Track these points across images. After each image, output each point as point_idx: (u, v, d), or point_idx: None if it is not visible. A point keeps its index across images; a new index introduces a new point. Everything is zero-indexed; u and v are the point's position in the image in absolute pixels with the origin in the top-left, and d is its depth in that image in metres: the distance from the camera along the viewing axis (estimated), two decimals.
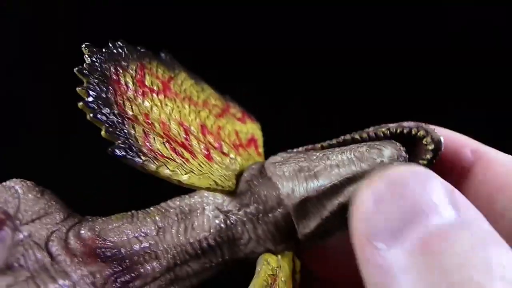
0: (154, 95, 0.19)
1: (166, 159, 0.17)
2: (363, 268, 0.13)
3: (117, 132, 0.16)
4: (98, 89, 0.17)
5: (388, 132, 0.18)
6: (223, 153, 0.20)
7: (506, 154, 0.19)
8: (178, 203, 0.19)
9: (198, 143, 0.19)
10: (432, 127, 0.18)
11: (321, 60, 0.40)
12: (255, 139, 0.22)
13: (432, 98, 0.40)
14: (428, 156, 0.18)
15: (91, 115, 0.16)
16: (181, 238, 0.18)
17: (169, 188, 0.18)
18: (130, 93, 0.18)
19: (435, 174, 0.14)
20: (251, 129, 0.23)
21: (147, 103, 0.19)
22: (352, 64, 0.40)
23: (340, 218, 0.17)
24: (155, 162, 0.16)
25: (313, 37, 0.40)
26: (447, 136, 0.18)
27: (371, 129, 0.19)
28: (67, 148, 0.39)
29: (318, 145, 0.19)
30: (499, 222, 0.16)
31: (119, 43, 0.19)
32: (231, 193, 0.19)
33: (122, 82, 0.18)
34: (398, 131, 0.18)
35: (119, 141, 0.16)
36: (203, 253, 0.18)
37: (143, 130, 0.17)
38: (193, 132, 0.19)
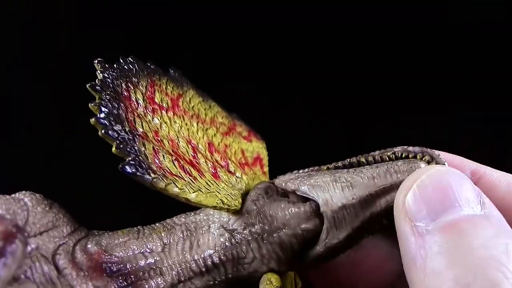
0: (164, 112, 0.19)
1: (175, 177, 0.17)
2: (404, 244, 0.16)
3: (128, 149, 0.17)
4: (110, 106, 0.17)
5: (393, 156, 0.19)
6: (230, 172, 0.20)
7: (503, 173, 0.20)
8: (183, 219, 0.19)
9: (205, 161, 0.19)
10: (436, 152, 0.18)
11: (321, 60, 0.40)
12: (261, 158, 0.23)
13: (433, 98, 0.40)
14: None
15: (103, 131, 0.17)
16: (186, 255, 0.18)
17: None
18: (140, 110, 0.19)
19: (467, 177, 0.16)
20: (257, 148, 0.23)
21: (156, 120, 0.19)
22: (353, 66, 0.40)
23: (366, 231, 0.18)
24: (164, 179, 0.17)
25: (313, 37, 0.40)
26: (448, 160, 0.19)
27: (377, 152, 0.19)
28: (67, 148, 0.39)
29: (324, 167, 0.20)
30: None
31: (129, 59, 0.20)
32: (237, 212, 0.19)
33: (133, 98, 0.19)
34: (404, 155, 0.18)
35: (129, 158, 0.16)
36: (207, 271, 0.18)
37: (153, 148, 0.17)
38: (201, 150, 0.20)
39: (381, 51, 0.40)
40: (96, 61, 0.18)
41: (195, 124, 0.21)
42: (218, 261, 0.18)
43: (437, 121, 0.40)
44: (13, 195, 0.18)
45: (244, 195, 0.19)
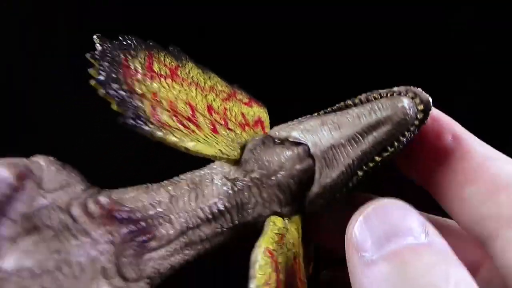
0: (162, 79, 0.20)
1: (173, 129, 0.18)
2: (351, 272, 0.16)
3: (128, 105, 0.18)
4: (108, 70, 0.18)
5: (379, 96, 0.19)
6: (229, 129, 0.21)
7: (485, 145, 0.20)
8: (189, 175, 0.21)
9: (204, 120, 0.20)
10: (420, 89, 0.19)
11: (321, 59, 0.40)
12: (262, 120, 0.23)
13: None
14: (420, 116, 0.19)
15: (102, 90, 0.18)
16: (192, 204, 0.20)
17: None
18: (139, 76, 0.19)
19: (411, 207, 0.17)
20: (258, 112, 0.24)
21: (155, 85, 0.20)
22: (353, 65, 0.40)
23: (359, 168, 0.19)
24: (162, 130, 0.18)
25: (312, 36, 0.40)
26: (437, 116, 0.20)
27: (363, 95, 0.20)
28: (66, 147, 0.39)
29: (315, 114, 0.21)
30: (464, 210, 0.20)
31: (128, 36, 0.21)
32: (237, 162, 0.20)
33: (132, 66, 0.20)
34: (389, 94, 0.19)
35: (129, 112, 0.17)
36: (213, 218, 0.20)
37: (151, 105, 0.18)
38: (200, 110, 0.21)
39: (381, 50, 0.40)
40: (95, 36, 0.19)
41: (194, 90, 0.21)
42: (223, 208, 0.20)
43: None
44: (28, 159, 0.19)
45: (243, 148, 0.21)
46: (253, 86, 0.35)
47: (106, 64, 0.18)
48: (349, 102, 0.20)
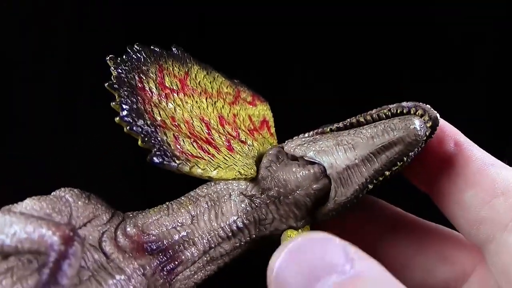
0: (175, 95, 0.21)
1: (196, 159, 0.19)
2: None
3: (152, 141, 0.18)
4: (129, 101, 0.19)
5: (390, 113, 0.20)
6: (242, 141, 0.22)
7: (484, 152, 0.21)
8: (206, 190, 0.22)
9: (219, 136, 0.21)
10: (428, 106, 0.20)
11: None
12: (267, 120, 0.25)
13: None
14: (428, 133, 0.20)
15: (128, 128, 0.18)
16: (213, 224, 0.21)
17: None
18: (155, 98, 0.20)
19: (332, 236, 0.16)
20: (262, 110, 0.25)
21: (170, 105, 0.21)
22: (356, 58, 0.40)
23: (370, 183, 0.20)
24: (188, 163, 0.19)
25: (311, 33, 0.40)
26: (441, 125, 0.20)
27: (374, 111, 0.21)
28: (66, 147, 0.39)
29: (327, 129, 0.22)
30: (462, 214, 0.20)
31: (136, 47, 0.21)
32: (253, 179, 0.21)
33: (147, 88, 0.20)
34: (399, 111, 0.20)
35: (155, 149, 0.18)
36: (233, 235, 0.21)
37: (173, 135, 0.19)
38: (213, 125, 0.22)
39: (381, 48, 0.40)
40: (108, 57, 0.20)
41: (204, 101, 0.22)
42: (242, 226, 0.21)
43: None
44: (54, 193, 0.20)
45: (258, 162, 0.22)
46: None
47: (125, 93, 0.19)
48: (361, 119, 0.21)
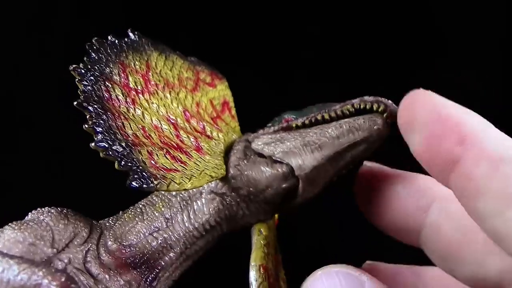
0: (141, 96, 0.22)
1: (172, 173, 0.20)
2: None
3: (129, 164, 0.19)
4: (101, 121, 0.20)
5: (353, 109, 0.21)
6: (208, 137, 0.23)
7: (500, 137, 0.17)
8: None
9: (187, 136, 0.22)
10: (389, 102, 0.21)
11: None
12: (227, 101, 0.25)
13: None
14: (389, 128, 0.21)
15: (104, 153, 0.19)
16: (187, 225, 0.22)
17: None
18: (123, 106, 0.21)
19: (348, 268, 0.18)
20: (221, 90, 0.25)
21: (138, 111, 0.21)
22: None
23: (336, 177, 0.22)
24: (165, 181, 0.19)
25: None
26: (437, 116, 0.17)
27: (338, 106, 0.21)
28: (66, 147, 0.39)
29: (293, 124, 0.22)
30: (480, 225, 0.17)
31: (95, 44, 0.22)
32: (223, 177, 0.22)
33: (113, 97, 0.21)
34: (361, 106, 0.21)
35: (132, 173, 0.19)
36: (206, 232, 0.22)
37: (147, 151, 0.20)
38: (180, 124, 0.22)
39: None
40: (72, 68, 0.21)
41: (168, 95, 0.23)
42: (214, 223, 0.22)
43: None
44: (32, 217, 0.21)
45: (226, 156, 0.22)
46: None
47: (95, 111, 0.20)
48: (326, 115, 0.21)
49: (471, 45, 0.41)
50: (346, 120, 0.21)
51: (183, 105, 0.23)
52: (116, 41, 0.22)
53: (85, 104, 0.20)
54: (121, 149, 0.19)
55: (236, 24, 0.40)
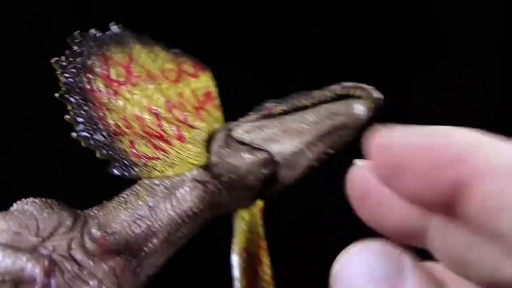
0: (123, 87, 0.22)
1: (153, 161, 0.21)
2: None
3: (110, 153, 0.20)
4: (83, 112, 0.20)
5: (334, 95, 0.21)
6: (190, 126, 0.23)
7: (494, 145, 0.15)
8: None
9: (169, 125, 0.22)
10: (371, 87, 0.21)
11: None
12: (210, 92, 0.25)
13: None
14: (372, 114, 0.21)
15: (86, 142, 0.20)
16: (170, 213, 0.22)
17: None
18: (104, 98, 0.21)
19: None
20: (204, 81, 0.25)
21: (120, 102, 0.22)
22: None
23: (316, 162, 0.22)
24: (146, 169, 0.20)
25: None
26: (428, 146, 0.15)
27: (317, 93, 0.21)
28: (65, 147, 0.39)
29: (273, 111, 0.22)
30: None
31: (77, 37, 0.22)
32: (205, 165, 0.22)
33: (95, 88, 0.21)
34: (340, 90, 0.21)
35: (114, 162, 0.20)
36: (189, 219, 0.22)
37: (129, 140, 0.21)
38: (162, 114, 0.23)
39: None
40: (53, 61, 0.21)
41: (151, 87, 0.23)
42: (197, 210, 0.22)
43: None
44: (17, 207, 0.21)
45: (207, 145, 0.23)
46: None
47: (76, 102, 0.21)
48: (305, 102, 0.21)
49: (471, 45, 0.41)
50: (325, 106, 0.21)
51: (165, 96, 0.23)
52: (98, 34, 0.23)
53: (66, 95, 0.21)
54: (103, 139, 0.20)
55: (236, 24, 0.40)
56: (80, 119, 0.20)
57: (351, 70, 0.40)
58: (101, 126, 0.20)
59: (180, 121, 0.23)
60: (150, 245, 0.22)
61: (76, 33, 0.22)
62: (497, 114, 0.41)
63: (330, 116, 0.21)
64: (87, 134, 0.20)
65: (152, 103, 0.23)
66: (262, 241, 0.23)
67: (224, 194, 0.22)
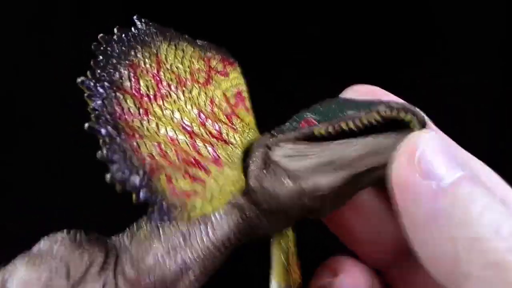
0: (154, 103, 0.20)
1: (191, 197, 0.18)
2: (415, 203, 0.16)
3: (149, 196, 0.17)
4: (115, 146, 0.17)
5: (380, 117, 0.19)
6: (225, 141, 0.21)
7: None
8: None
9: (204, 145, 0.20)
10: (417, 109, 0.19)
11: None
12: (240, 92, 0.24)
13: None
14: None
15: (121, 188, 0.16)
16: (206, 243, 0.20)
17: None
18: (136, 121, 0.19)
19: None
20: (234, 79, 0.24)
21: (153, 124, 0.19)
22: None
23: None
24: (185, 209, 0.17)
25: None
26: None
27: (363, 114, 0.19)
28: (65, 147, 0.39)
29: (315, 131, 0.20)
30: None
31: (101, 42, 0.19)
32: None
33: (126, 110, 0.18)
34: (388, 114, 0.19)
35: (151, 207, 0.17)
36: (225, 249, 0.20)
37: (165, 174, 0.18)
38: (196, 130, 0.20)
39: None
40: (80, 81, 0.18)
41: (181, 96, 0.21)
42: (233, 239, 0.20)
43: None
44: (45, 247, 0.20)
45: (243, 161, 0.21)
46: None
47: (109, 134, 0.17)
48: (351, 124, 0.19)
49: (471, 46, 0.41)
50: (372, 138, 0.19)
51: (197, 106, 0.21)
52: (124, 35, 0.20)
53: (97, 126, 0.17)
54: (139, 180, 0.17)
55: (236, 24, 0.40)
56: (114, 157, 0.17)
57: (351, 70, 0.40)
58: (136, 163, 0.17)
59: (214, 137, 0.21)
60: (186, 280, 0.20)
61: (100, 36, 0.19)
62: (497, 114, 0.41)
63: (377, 152, 0.19)
64: (122, 179, 0.16)
65: (185, 117, 0.20)
66: (297, 261, 0.22)
67: (262, 220, 0.21)
